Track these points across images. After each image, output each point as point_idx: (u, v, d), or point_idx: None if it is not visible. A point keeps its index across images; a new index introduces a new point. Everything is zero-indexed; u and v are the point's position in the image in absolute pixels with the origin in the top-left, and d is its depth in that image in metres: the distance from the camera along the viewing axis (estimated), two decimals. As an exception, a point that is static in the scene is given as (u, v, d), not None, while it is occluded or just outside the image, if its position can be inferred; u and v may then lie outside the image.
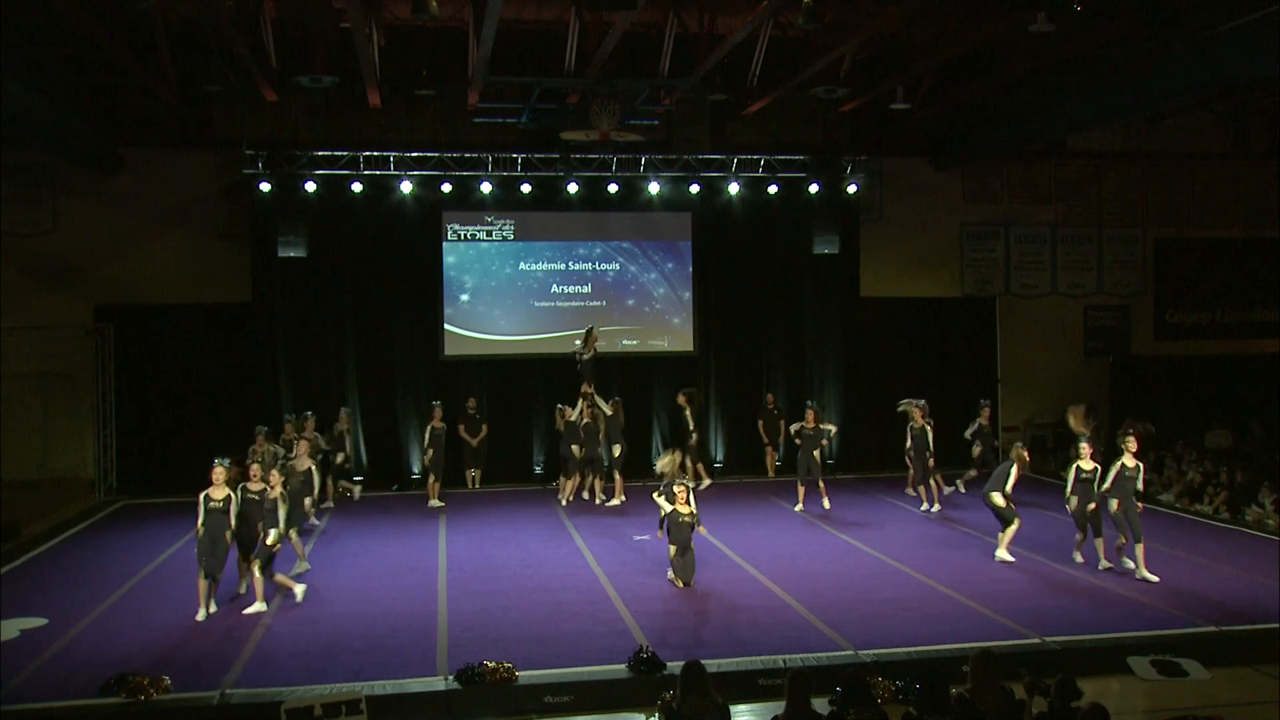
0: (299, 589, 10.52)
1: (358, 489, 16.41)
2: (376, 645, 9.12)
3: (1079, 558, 11.74)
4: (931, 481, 14.83)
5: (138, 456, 16.85)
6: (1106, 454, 16.04)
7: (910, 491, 15.62)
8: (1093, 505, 11.37)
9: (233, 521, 10.18)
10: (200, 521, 10.06)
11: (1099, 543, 11.53)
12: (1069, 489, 11.52)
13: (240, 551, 10.50)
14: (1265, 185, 19.60)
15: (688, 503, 10.88)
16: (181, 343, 16.91)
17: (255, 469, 10.63)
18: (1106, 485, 11.22)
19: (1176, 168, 19.76)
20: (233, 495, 10.23)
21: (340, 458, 15.90)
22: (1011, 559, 11.85)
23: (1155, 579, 10.85)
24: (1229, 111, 19.02)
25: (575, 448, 15.51)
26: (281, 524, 10.29)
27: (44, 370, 16.48)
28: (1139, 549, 11.03)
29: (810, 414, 14.99)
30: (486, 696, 8.10)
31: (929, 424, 14.86)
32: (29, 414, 16.37)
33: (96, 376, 16.68)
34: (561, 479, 15.94)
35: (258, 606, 10.12)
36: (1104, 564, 11.39)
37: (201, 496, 10.15)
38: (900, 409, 15.32)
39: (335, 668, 8.53)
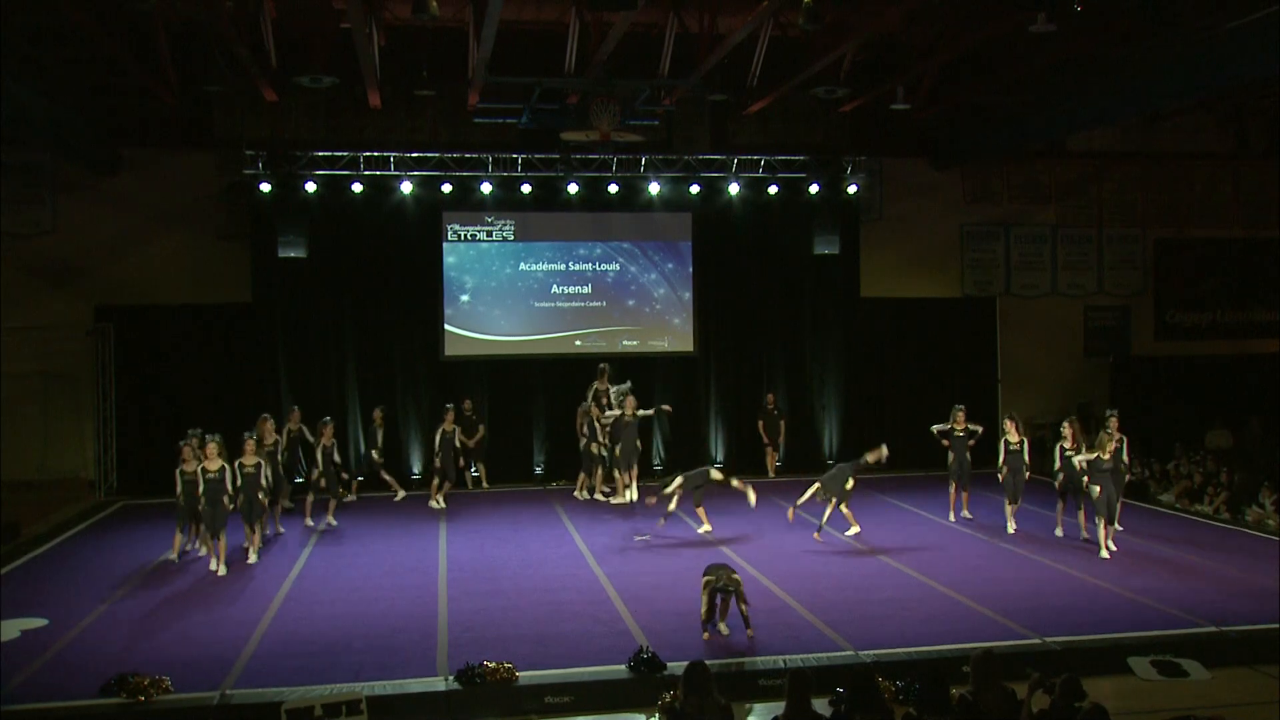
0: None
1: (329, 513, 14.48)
2: (377, 645, 9.11)
3: (1011, 527, 13.40)
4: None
5: (138, 457, 16.84)
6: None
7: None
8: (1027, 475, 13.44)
9: (229, 489, 11.68)
10: (200, 491, 11.55)
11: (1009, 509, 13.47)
12: (1000, 460, 13.41)
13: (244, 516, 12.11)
14: (1265, 185, 19.61)
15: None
16: (182, 343, 16.93)
17: (250, 444, 12.14)
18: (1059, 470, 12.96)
19: (1176, 168, 19.76)
20: (227, 466, 11.75)
21: (314, 472, 14.28)
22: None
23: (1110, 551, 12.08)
24: (1229, 111, 19.02)
25: (595, 445, 15.61)
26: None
27: (44, 370, 16.49)
28: (1006, 511, 13.22)
29: (959, 415, 14.21)
30: (487, 697, 8.09)
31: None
32: (29, 414, 16.38)
33: (96, 377, 16.69)
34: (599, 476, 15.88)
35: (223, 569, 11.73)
36: (1011, 528, 13.39)
37: (199, 469, 11.62)
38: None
39: (336, 668, 8.52)
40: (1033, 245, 19.61)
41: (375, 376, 17.42)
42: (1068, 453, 12.81)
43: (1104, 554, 11.94)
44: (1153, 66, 13.67)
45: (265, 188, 16.42)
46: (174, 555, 12.22)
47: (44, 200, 16.80)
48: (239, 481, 11.88)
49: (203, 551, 12.28)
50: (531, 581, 11.22)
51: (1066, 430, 13.04)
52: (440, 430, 15.57)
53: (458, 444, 15.97)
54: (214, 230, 17.17)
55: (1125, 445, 12.83)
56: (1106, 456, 11.99)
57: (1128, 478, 13.20)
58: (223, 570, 11.63)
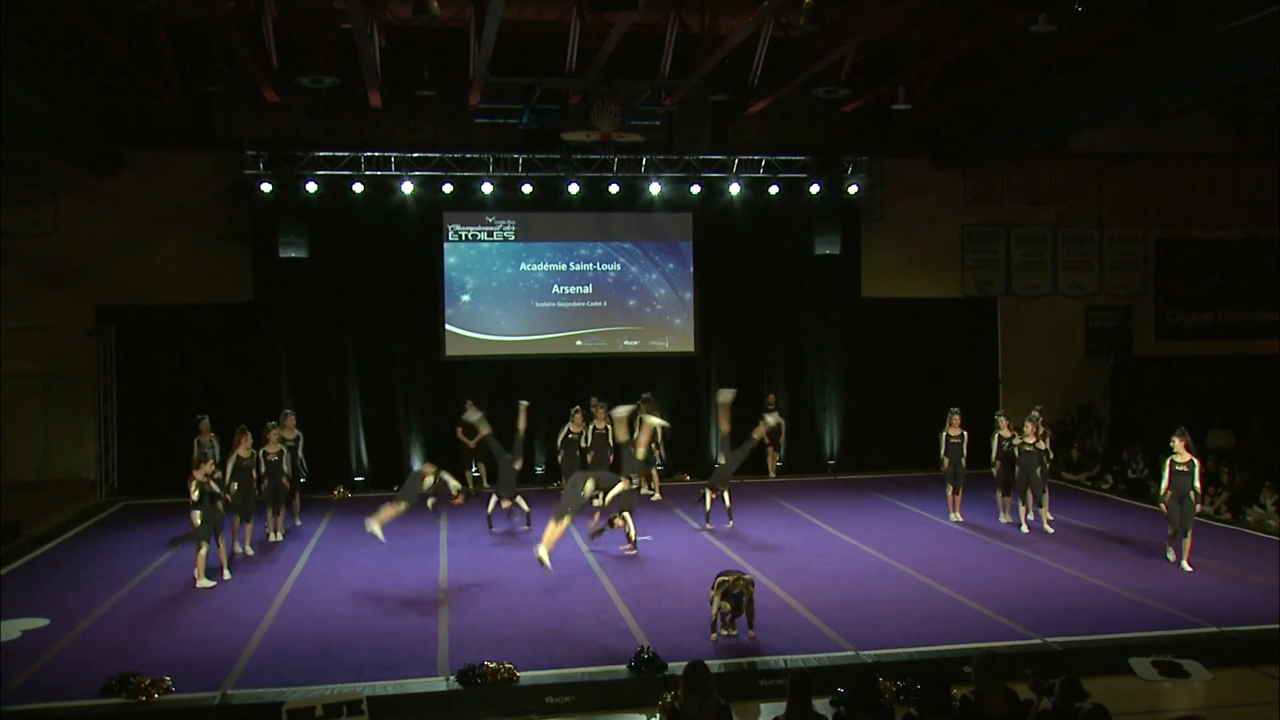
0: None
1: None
2: (378, 645, 9.12)
3: (1005, 518, 14.05)
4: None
5: (139, 457, 16.82)
6: (1106, 454, 16.02)
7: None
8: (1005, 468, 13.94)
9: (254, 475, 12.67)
10: (229, 477, 12.19)
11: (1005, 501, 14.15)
12: (993, 455, 13.95)
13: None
14: (1265, 185, 19.60)
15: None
16: (182, 343, 16.90)
17: (274, 434, 13.29)
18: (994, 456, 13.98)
19: (1176, 168, 19.75)
20: (258, 455, 12.75)
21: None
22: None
23: (1051, 531, 13.31)
24: (1229, 111, 19.02)
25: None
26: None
27: (44, 370, 16.46)
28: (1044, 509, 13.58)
29: (955, 418, 14.20)
30: (487, 697, 8.10)
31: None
32: (29, 414, 16.36)
33: (97, 377, 16.67)
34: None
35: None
36: (1013, 520, 13.91)
37: (233, 458, 12.39)
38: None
39: (337, 668, 8.53)
40: (1033, 245, 19.61)
41: (375, 376, 17.42)
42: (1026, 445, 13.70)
43: (1023, 528, 13.43)
44: (1153, 66, 13.66)
45: (266, 188, 16.42)
46: (244, 549, 12.67)
47: (44, 200, 16.79)
48: (263, 468, 13.00)
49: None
50: (532, 581, 11.21)
51: (1028, 428, 13.67)
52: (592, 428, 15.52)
53: (466, 444, 16.18)
54: (214, 230, 17.16)
55: (1199, 468, 11.77)
56: (1031, 440, 13.29)
57: (1199, 506, 11.98)
58: (250, 551, 12.63)
